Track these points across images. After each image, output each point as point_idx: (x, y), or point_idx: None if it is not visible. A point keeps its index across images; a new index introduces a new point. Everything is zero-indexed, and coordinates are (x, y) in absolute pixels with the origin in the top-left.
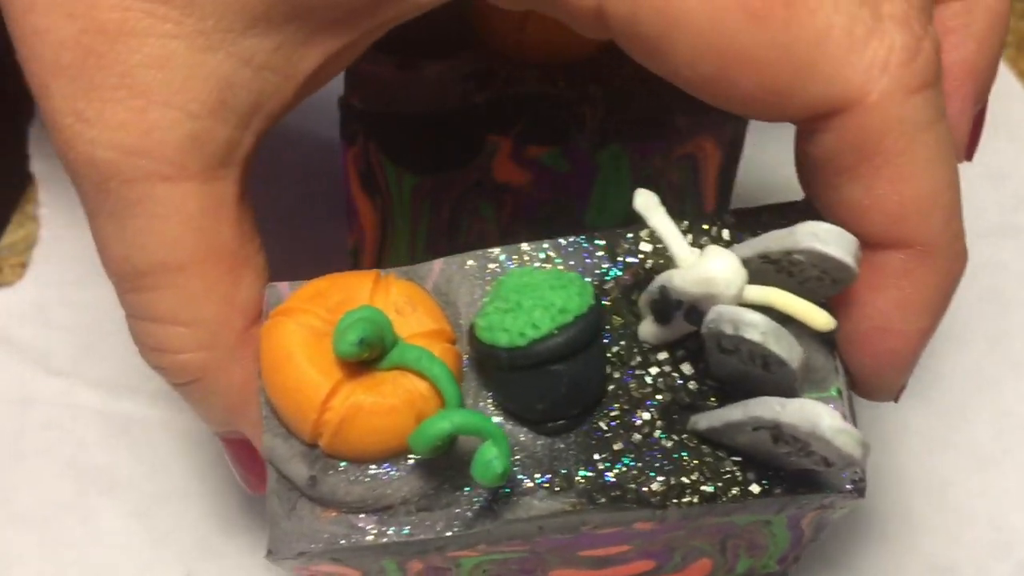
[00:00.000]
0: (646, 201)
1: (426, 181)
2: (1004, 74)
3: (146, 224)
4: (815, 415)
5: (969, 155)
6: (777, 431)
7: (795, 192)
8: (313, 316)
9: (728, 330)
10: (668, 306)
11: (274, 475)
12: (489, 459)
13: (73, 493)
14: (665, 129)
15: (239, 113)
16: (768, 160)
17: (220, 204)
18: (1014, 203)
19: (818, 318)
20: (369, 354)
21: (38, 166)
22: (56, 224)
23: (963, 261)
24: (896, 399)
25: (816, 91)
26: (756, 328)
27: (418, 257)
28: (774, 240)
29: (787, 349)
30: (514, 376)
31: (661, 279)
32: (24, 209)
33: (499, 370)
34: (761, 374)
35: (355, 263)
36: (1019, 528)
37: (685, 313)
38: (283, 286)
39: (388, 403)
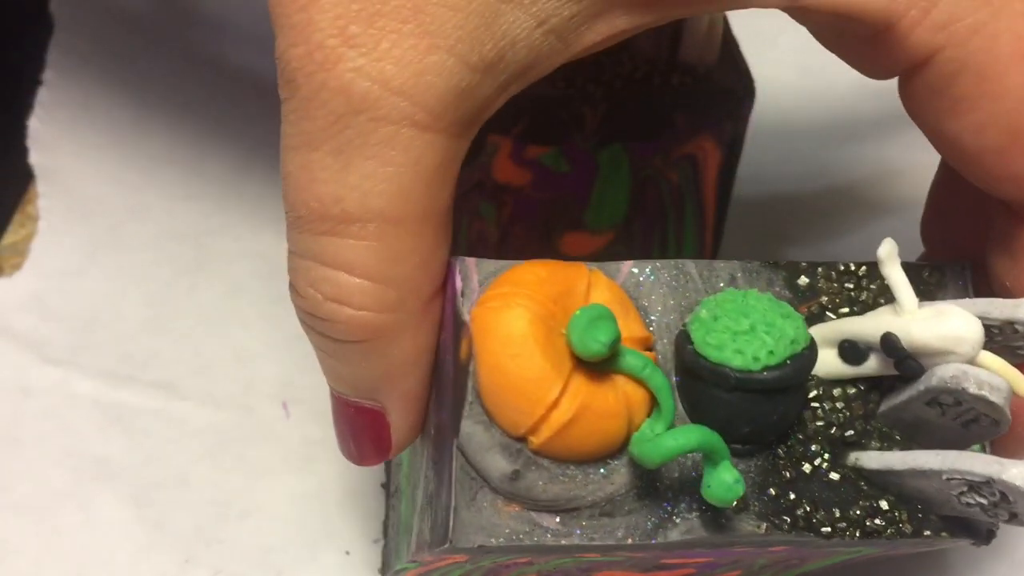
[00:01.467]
0: (890, 251)
1: None
2: None
3: (378, 169)
4: None
5: None
6: (984, 486)
7: (793, 193)
8: (540, 304)
9: (972, 389)
10: (889, 351)
11: (459, 463)
12: (731, 482)
13: (70, 481)
14: (665, 129)
15: (509, 73)
16: (768, 160)
17: (452, 164)
18: None
19: None
20: (609, 355)
21: (37, 158)
22: (55, 215)
23: None
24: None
25: None
26: (1000, 392)
27: None
28: (996, 308)
29: (1007, 414)
30: (734, 397)
31: (889, 325)
32: (25, 209)
33: (719, 388)
34: (950, 427)
35: None
36: (1016, 528)
37: (898, 362)
38: (470, 261)
39: (613, 408)
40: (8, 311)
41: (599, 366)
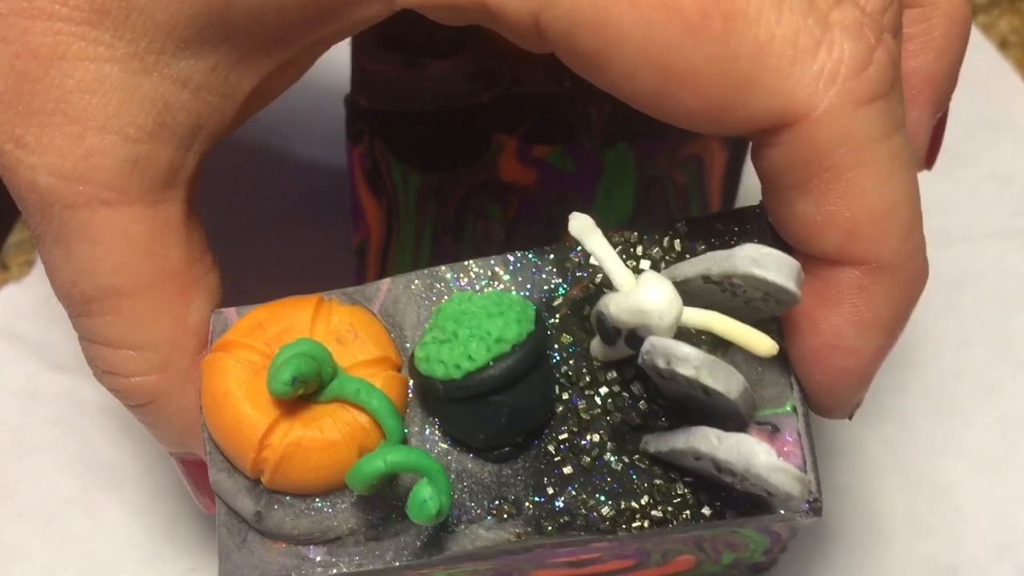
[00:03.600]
0: (581, 225)
1: (432, 180)
2: (1009, 76)
3: (91, 250)
4: (750, 453)
5: (930, 164)
6: (717, 463)
7: None
8: (251, 350)
9: (661, 363)
10: (610, 330)
11: (223, 508)
12: (424, 499)
13: (78, 488)
14: (671, 129)
15: (180, 135)
16: None
17: (166, 227)
18: (1019, 205)
19: (760, 345)
20: (305, 391)
21: None
22: None
23: (923, 278)
24: (850, 417)
25: (759, 105)
26: (689, 363)
27: (423, 256)
28: (714, 262)
29: (724, 381)
30: (453, 407)
31: (600, 304)
32: None
33: (436, 401)
34: (704, 399)
35: (360, 262)
36: (1021, 529)
37: (626, 339)
38: (230, 312)
39: (328, 438)
40: (17, 317)
41: (315, 399)
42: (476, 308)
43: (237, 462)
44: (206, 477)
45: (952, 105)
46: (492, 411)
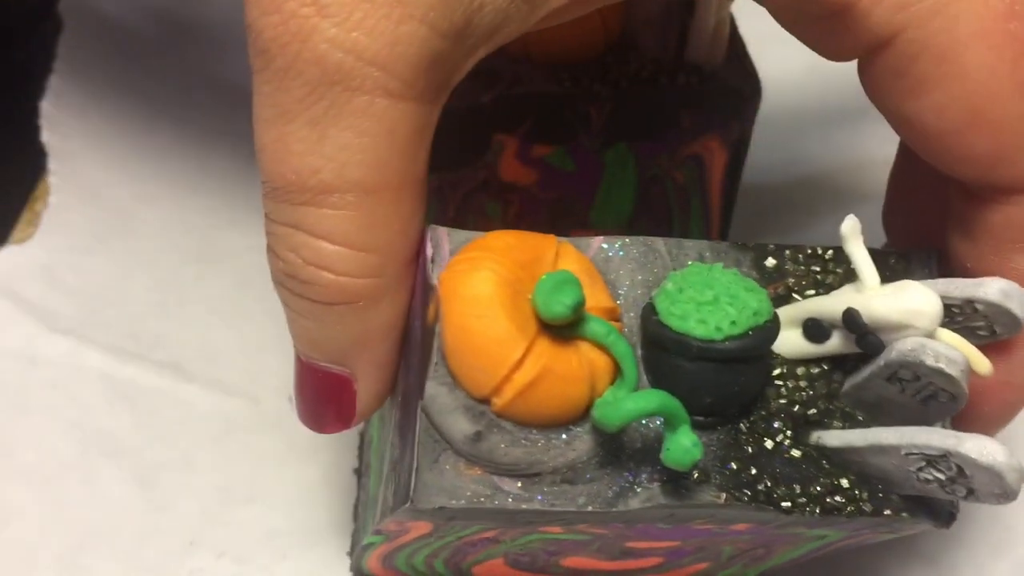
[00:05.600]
0: (852, 227)
1: (432, 180)
2: None
3: (354, 139)
4: (994, 451)
5: None
6: (942, 460)
7: (798, 192)
8: (507, 269)
9: (929, 361)
10: (850, 327)
11: (424, 424)
12: (688, 446)
13: (75, 453)
14: (671, 129)
15: (477, 36)
16: (774, 160)
17: (425, 129)
18: None
19: (983, 364)
20: (572, 318)
21: (49, 137)
22: (65, 193)
23: None
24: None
25: None
26: (956, 365)
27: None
28: (956, 287)
29: (964, 389)
30: (695, 367)
31: (851, 302)
32: (33, 207)
33: (681, 358)
34: (910, 405)
35: None
36: (1018, 527)
37: (859, 338)
38: (442, 230)
39: (576, 372)
40: (17, 279)
41: (564, 331)
42: (728, 280)
43: (477, 378)
44: (341, 393)
45: None
46: (731, 377)
